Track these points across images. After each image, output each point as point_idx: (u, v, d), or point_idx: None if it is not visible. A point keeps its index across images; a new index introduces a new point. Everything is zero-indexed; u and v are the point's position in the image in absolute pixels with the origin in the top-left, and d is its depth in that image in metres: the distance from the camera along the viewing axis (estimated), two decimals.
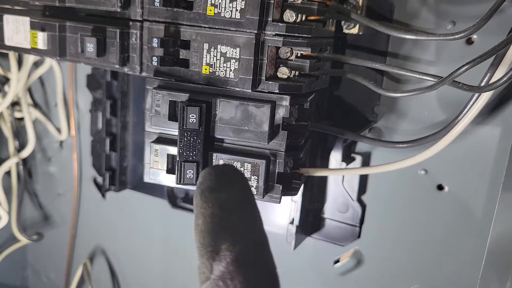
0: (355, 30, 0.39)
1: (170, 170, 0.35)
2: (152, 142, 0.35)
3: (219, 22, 0.32)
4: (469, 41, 0.38)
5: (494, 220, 0.38)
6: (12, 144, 0.57)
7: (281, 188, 0.34)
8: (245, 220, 0.24)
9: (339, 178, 0.44)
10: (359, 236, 0.46)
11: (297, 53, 0.33)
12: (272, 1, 0.31)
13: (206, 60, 0.33)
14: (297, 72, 0.33)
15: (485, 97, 0.34)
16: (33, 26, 0.39)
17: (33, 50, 0.39)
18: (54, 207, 0.64)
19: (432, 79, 0.33)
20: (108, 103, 0.51)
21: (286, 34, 0.32)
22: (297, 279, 0.50)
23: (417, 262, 0.44)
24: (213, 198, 0.24)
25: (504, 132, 0.38)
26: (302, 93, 0.33)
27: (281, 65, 0.33)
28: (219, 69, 0.33)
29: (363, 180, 0.44)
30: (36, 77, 0.57)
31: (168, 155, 0.35)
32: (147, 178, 0.36)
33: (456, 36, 0.31)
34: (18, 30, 0.42)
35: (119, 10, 0.36)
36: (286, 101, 0.33)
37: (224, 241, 0.23)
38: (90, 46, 0.36)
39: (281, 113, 0.33)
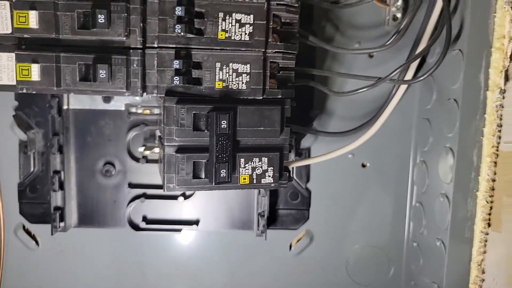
0: None
1: (196, 175, 0.40)
2: (176, 152, 0.39)
3: (230, 44, 0.39)
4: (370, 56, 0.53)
5: (410, 182, 0.54)
6: None
7: (288, 174, 0.42)
8: None
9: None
10: (308, 218, 0.56)
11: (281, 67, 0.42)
12: (271, 27, 0.40)
13: (219, 77, 0.40)
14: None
15: (399, 95, 0.49)
16: (21, 59, 0.38)
17: (21, 83, 0.38)
18: None
19: (372, 81, 0.46)
20: (56, 140, 0.50)
21: (283, 51, 0.41)
22: (261, 267, 0.57)
23: (355, 226, 0.56)
24: None
25: (403, 119, 0.54)
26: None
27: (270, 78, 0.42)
28: (232, 83, 0.40)
29: (307, 171, 0.55)
30: None
31: (194, 162, 0.39)
32: (170, 189, 0.40)
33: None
34: None
35: (124, 39, 0.39)
36: (288, 104, 0.41)
37: None
38: (103, 73, 0.38)
39: (286, 113, 0.41)
